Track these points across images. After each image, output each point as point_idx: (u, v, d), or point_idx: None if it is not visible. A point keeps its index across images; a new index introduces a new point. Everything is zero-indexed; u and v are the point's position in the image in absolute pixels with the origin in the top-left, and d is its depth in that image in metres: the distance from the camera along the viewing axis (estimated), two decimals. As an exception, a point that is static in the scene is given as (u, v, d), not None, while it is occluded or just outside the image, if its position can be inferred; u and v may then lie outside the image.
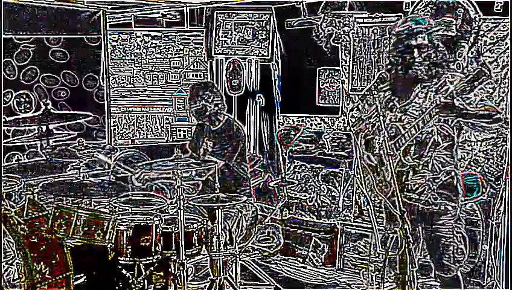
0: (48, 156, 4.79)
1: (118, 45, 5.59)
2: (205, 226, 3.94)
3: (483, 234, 4.13)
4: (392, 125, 3.63)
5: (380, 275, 4.29)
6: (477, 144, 4.17)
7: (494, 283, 4.03)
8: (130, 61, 5.63)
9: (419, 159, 3.59)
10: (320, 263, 4.87)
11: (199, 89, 4.47)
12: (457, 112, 3.44)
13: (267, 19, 5.37)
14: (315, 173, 5.08)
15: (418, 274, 3.60)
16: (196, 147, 4.58)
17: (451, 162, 3.59)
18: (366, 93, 3.80)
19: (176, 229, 3.73)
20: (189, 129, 5.67)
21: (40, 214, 3.75)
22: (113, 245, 3.67)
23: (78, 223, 3.60)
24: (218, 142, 4.44)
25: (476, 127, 3.53)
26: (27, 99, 5.02)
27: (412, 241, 3.41)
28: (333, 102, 5.06)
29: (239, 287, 4.16)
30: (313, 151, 5.12)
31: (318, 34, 4.92)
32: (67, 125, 5.10)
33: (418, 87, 3.57)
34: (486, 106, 3.46)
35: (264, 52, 5.40)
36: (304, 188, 5.12)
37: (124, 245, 3.68)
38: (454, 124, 3.53)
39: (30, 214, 3.70)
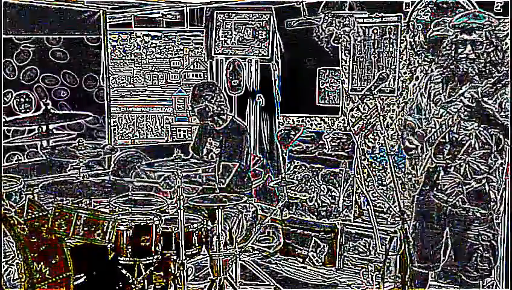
0: (48, 156, 4.79)
1: (118, 45, 5.59)
2: (205, 226, 3.94)
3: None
4: (432, 120, 3.56)
5: (380, 275, 4.29)
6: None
7: (494, 283, 4.02)
8: (130, 61, 5.63)
9: (451, 159, 3.52)
10: (320, 263, 4.87)
11: (201, 90, 4.46)
12: (484, 115, 3.36)
13: (267, 19, 5.37)
14: (315, 173, 5.08)
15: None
16: (198, 148, 4.57)
17: (485, 170, 3.50)
18: (366, 93, 3.78)
19: (176, 229, 3.73)
20: (189, 129, 5.67)
21: (40, 214, 3.75)
22: (113, 245, 3.67)
23: (78, 223, 3.60)
24: (224, 142, 4.43)
25: None
26: (27, 99, 5.02)
27: (411, 241, 3.41)
28: (333, 102, 5.06)
29: (239, 287, 4.15)
30: (313, 151, 5.12)
31: (319, 34, 4.92)
32: (67, 125, 5.10)
33: (467, 86, 3.47)
34: None
35: (264, 52, 5.40)
36: (304, 188, 5.12)
37: (124, 245, 3.68)
38: (493, 132, 3.44)
39: (30, 214, 3.70)
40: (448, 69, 3.53)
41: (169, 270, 3.89)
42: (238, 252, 4.22)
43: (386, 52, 4.68)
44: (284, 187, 4.97)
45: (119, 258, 3.69)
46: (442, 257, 3.72)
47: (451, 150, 3.49)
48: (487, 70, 3.43)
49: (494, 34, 3.45)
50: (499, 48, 3.45)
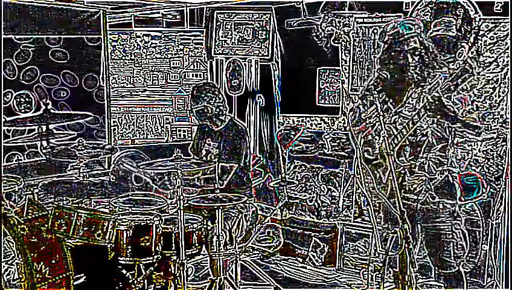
0: (48, 156, 4.79)
1: (118, 45, 5.59)
2: (205, 226, 3.94)
3: (483, 234, 4.13)
4: (386, 127, 3.64)
5: (380, 275, 4.29)
6: (477, 144, 4.17)
7: (494, 283, 4.03)
8: (130, 61, 5.63)
9: (414, 160, 3.60)
10: (320, 263, 4.87)
11: (201, 90, 4.46)
12: (444, 112, 3.46)
13: (267, 19, 5.37)
14: (315, 173, 5.08)
15: (418, 274, 3.60)
16: (198, 149, 4.57)
17: (445, 162, 3.59)
18: (365, 93, 3.79)
19: (176, 229, 3.73)
20: (189, 129, 5.67)
21: (40, 214, 3.75)
22: (113, 245, 3.67)
23: (78, 223, 3.60)
24: (223, 143, 4.43)
25: (464, 137, 3.57)
26: (27, 99, 5.02)
27: (411, 241, 3.42)
28: (333, 102, 5.06)
29: (239, 287, 4.15)
30: (313, 151, 5.12)
31: (318, 34, 4.92)
32: (67, 125, 5.10)
33: (412, 88, 3.57)
34: (469, 117, 3.49)
35: (264, 52, 5.40)
36: (304, 188, 5.12)
37: (124, 245, 3.68)
38: (447, 126, 3.55)
39: (30, 214, 3.70)
40: (391, 78, 3.60)
41: (169, 270, 3.89)
42: (238, 252, 4.22)
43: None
44: (284, 187, 4.97)
45: (119, 258, 3.69)
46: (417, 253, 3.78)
47: (412, 151, 3.56)
48: (426, 73, 3.56)
49: (425, 38, 3.59)
50: (431, 50, 3.57)
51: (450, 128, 3.56)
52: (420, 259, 3.81)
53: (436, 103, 3.46)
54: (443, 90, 3.45)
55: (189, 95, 4.56)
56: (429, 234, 3.67)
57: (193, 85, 4.70)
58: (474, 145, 4.17)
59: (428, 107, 3.48)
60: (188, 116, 5.66)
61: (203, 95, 4.43)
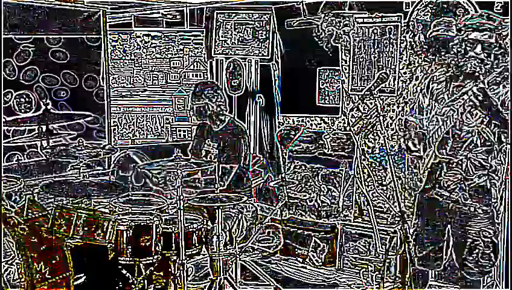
0: (48, 156, 4.79)
1: (118, 45, 5.59)
2: (205, 226, 3.94)
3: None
4: (434, 118, 3.59)
5: (380, 275, 4.30)
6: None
7: (494, 283, 4.02)
8: (130, 61, 5.63)
9: (454, 155, 3.54)
10: (320, 263, 4.87)
11: (203, 88, 4.46)
12: (487, 105, 3.40)
13: (267, 19, 5.37)
14: (315, 173, 5.08)
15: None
16: (198, 150, 4.56)
17: (486, 166, 3.53)
18: (366, 93, 3.78)
19: (176, 229, 3.73)
20: (189, 129, 5.67)
21: (40, 214, 3.75)
22: (113, 245, 3.67)
23: (78, 223, 3.60)
24: (222, 143, 4.43)
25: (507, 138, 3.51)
26: (27, 99, 5.02)
27: (411, 241, 3.41)
28: (333, 102, 5.06)
29: (239, 287, 4.15)
30: (313, 151, 5.12)
31: (319, 34, 4.92)
32: (67, 125, 5.10)
33: (470, 84, 3.53)
34: None
35: (264, 52, 5.40)
36: (304, 188, 5.12)
37: (124, 245, 3.68)
38: (496, 130, 3.50)
39: (30, 214, 3.70)
40: (454, 68, 3.55)
41: (169, 270, 3.89)
42: (238, 252, 4.22)
43: (386, 52, 4.68)
44: (284, 187, 4.96)
45: (119, 258, 3.69)
46: (444, 255, 3.73)
47: (454, 145, 3.52)
48: (491, 70, 3.46)
49: (500, 36, 3.49)
50: (505, 50, 3.49)
51: (499, 133, 3.48)
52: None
53: (481, 94, 3.40)
54: (489, 84, 3.39)
55: (191, 93, 4.55)
56: (458, 236, 3.62)
57: (195, 83, 4.70)
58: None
59: (472, 98, 3.41)
60: (188, 116, 5.66)
61: (205, 93, 4.43)
